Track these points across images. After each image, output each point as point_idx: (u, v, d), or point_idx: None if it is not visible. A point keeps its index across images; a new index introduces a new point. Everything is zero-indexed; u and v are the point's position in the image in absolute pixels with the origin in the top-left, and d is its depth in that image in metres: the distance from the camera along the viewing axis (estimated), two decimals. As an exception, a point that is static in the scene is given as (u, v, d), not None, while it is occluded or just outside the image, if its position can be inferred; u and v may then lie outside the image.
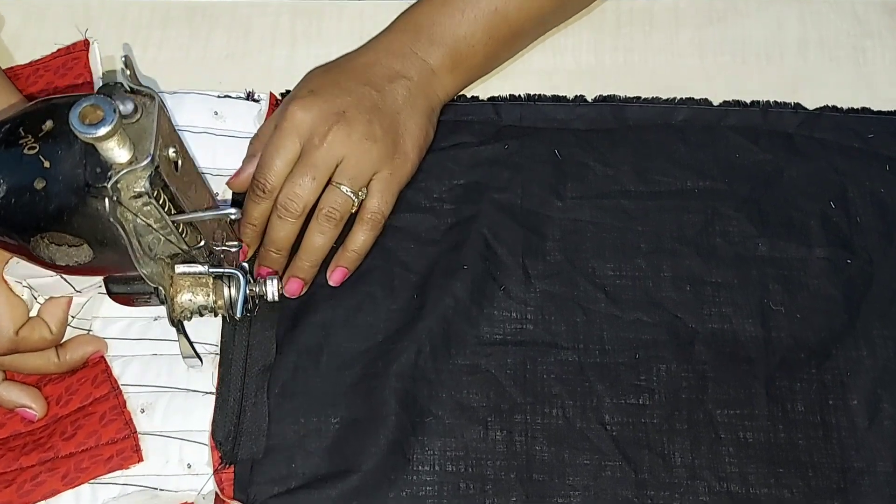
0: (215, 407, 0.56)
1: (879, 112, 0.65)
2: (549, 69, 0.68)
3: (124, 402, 0.55)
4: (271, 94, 0.65)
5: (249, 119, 0.63)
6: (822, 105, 0.65)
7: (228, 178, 0.60)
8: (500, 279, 0.59)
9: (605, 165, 0.63)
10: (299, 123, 0.57)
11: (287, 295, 0.58)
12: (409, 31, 0.62)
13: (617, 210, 0.61)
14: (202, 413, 0.56)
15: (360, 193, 0.58)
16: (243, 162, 0.60)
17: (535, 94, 0.65)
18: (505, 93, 0.66)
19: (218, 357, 0.57)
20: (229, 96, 0.64)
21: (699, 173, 0.62)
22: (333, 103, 0.57)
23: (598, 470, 0.55)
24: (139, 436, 0.54)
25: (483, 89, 0.67)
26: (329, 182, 0.57)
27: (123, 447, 0.54)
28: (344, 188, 0.57)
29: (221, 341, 0.57)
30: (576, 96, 0.65)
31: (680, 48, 0.69)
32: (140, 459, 0.54)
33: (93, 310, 0.58)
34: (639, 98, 0.65)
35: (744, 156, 0.63)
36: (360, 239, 0.59)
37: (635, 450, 0.55)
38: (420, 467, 0.55)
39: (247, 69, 0.68)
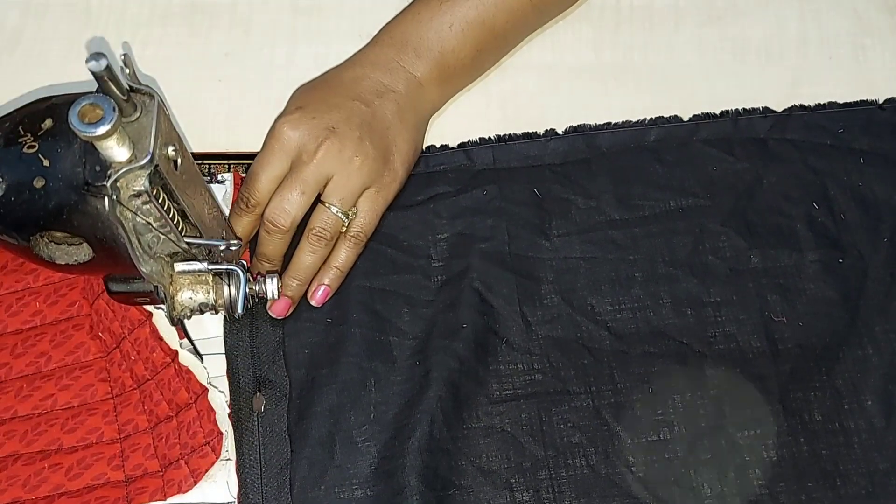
0: None
1: (846, 104, 0.65)
2: (549, 64, 0.68)
3: None
4: (235, 173, 0.63)
5: None
6: (791, 106, 0.65)
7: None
8: (500, 332, 0.59)
9: (586, 197, 0.62)
10: (287, 141, 0.56)
11: (274, 315, 0.58)
12: (396, 45, 0.61)
13: (606, 242, 0.61)
14: None
15: (349, 213, 0.58)
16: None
17: (505, 134, 0.64)
18: (506, 88, 0.66)
19: (232, 463, 0.56)
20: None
21: (680, 192, 0.62)
22: (322, 119, 0.57)
23: None
24: None
25: (483, 86, 0.67)
26: (318, 199, 0.57)
27: None
28: (334, 209, 0.57)
29: (236, 444, 0.56)
30: (546, 130, 0.65)
31: (680, 46, 0.69)
32: None
33: None
34: (608, 124, 0.65)
35: (721, 168, 0.63)
36: (343, 256, 0.58)
37: (664, 488, 0.55)
38: None
39: (247, 67, 0.68)
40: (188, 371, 0.56)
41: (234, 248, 0.51)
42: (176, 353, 0.57)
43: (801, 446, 0.56)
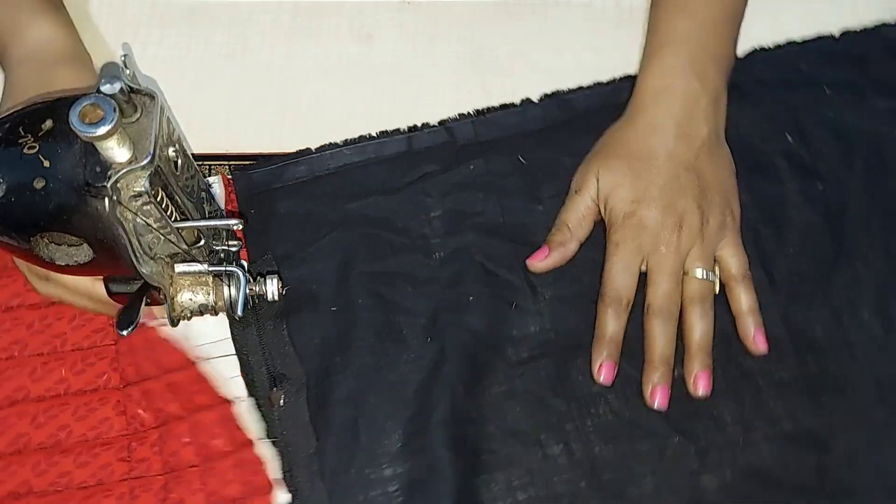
0: None
1: (805, 41, 0.67)
2: (550, 68, 0.68)
3: None
4: (222, 175, 0.63)
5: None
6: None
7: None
8: (508, 299, 0.59)
9: (572, 156, 0.63)
10: (642, 243, 0.57)
11: (702, 394, 0.56)
12: (693, 80, 0.59)
13: None
14: None
15: (714, 271, 0.58)
16: (551, 246, 0.59)
17: (483, 108, 0.65)
18: (508, 93, 0.66)
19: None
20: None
21: None
22: (667, 211, 0.56)
23: (660, 452, 0.56)
24: None
25: (483, 87, 0.67)
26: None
27: None
28: (700, 273, 0.57)
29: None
30: (522, 100, 0.65)
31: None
32: None
33: None
34: (581, 87, 0.66)
35: None
36: (746, 296, 0.58)
37: (687, 421, 0.56)
38: None
39: (247, 68, 0.68)
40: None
41: (236, 228, 0.50)
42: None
43: (808, 365, 0.58)
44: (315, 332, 0.58)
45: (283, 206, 0.62)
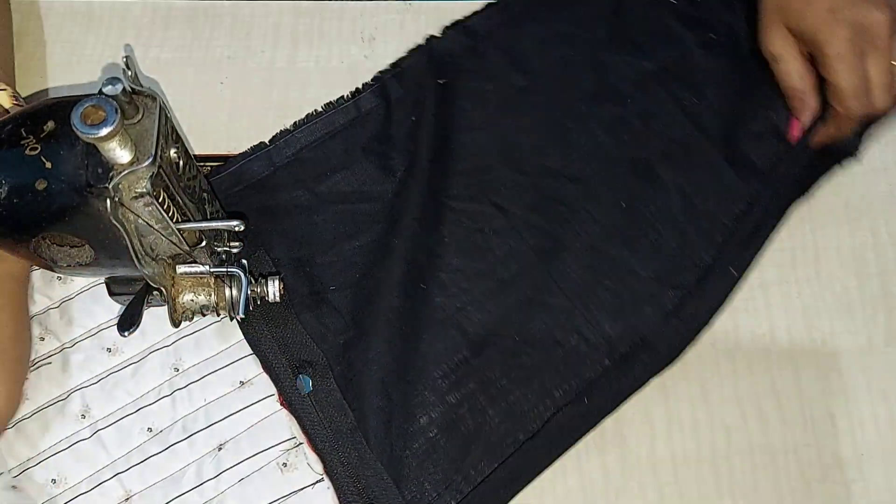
0: (336, 490, 0.56)
1: None
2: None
3: None
4: None
5: None
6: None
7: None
8: (478, 227, 0.62)
9: (488, 79, 0.66)
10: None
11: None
12: None
13: (527, 107, 0.65)
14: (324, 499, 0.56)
15: None
16: (799, 116, 0.62)
17: (385, 69, 0.67)
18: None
19: (305, 446, 0.57)
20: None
21: (562, 42, 0.67)
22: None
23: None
24: None
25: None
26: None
27: None
28: None
29: (301, 427, 0.57)
30: (426, 37, 0.68)
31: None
32: None
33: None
34: (476, 13, 0.69)
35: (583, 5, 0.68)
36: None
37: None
38: None
39: (248, 69, 0.68)
40: None
41: (238, 229, 0.50)
42: None
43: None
44: (323, 314, 0.59)
45: (254, 202, 0.62)
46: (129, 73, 0.46)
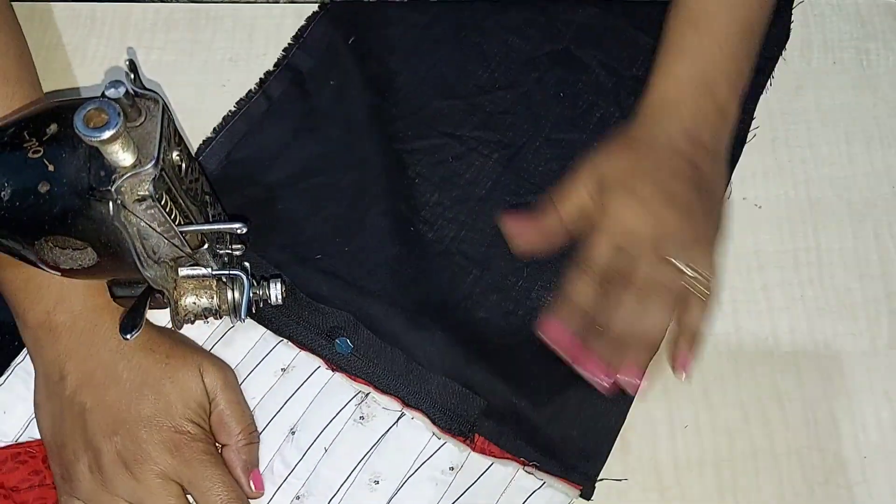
0: (423, 413, 0.57)
1: None
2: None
3: None
4: None
5: None
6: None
7: None
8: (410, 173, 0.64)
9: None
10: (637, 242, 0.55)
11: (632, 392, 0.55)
12: (703, 95, 0.58)
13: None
14: None
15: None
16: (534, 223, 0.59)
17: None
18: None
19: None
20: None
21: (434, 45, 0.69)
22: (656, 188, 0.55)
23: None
24: None
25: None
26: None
27: None
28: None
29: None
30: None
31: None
32: None
33: None
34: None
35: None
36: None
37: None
38: None
39: (250, 72, 0.68)
40: None
41: (240, 232, 0.50)
42: None
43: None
44: (321, 284, 0.60)
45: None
46: (132, 75, 0.46)
